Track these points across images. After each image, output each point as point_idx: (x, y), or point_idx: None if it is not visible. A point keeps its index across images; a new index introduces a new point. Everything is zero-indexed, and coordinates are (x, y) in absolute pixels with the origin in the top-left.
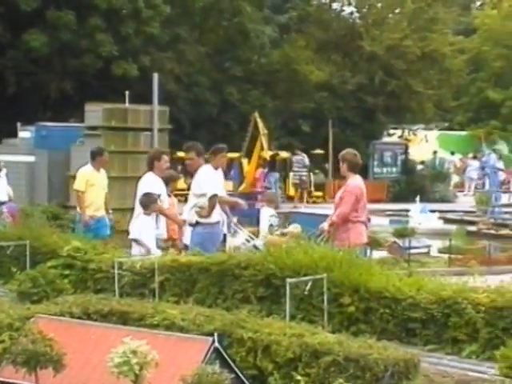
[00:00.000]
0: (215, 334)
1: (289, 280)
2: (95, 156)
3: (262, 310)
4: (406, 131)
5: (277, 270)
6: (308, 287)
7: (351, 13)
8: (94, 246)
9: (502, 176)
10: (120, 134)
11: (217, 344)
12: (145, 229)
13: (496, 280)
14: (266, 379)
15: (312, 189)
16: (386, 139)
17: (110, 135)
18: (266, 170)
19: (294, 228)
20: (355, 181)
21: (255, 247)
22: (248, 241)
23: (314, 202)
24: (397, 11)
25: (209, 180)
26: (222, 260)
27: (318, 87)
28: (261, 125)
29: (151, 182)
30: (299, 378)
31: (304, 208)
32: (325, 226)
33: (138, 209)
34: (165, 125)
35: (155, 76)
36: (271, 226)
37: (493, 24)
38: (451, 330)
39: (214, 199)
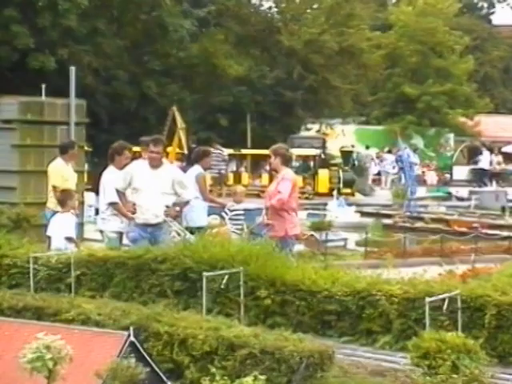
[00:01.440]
0: (131, 329)
1: (205, 274)
2: (66, 149)
3: (178, 303)
4: (324, 125)
5: (193, 264)
6: (224, 281)
7: (270, 8)
8: (9, 240)
9: (417, 170)
10: (36, 128)
11: (132, 338)
12: (60, 227)
13: (410, 272)
14: (182, 372)
15: (231, 182)
16: (303, 133)
17: (25, 129)
18: (184, 163)
19: (213, 219)
20: (290, 172)
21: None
22: (179, 234)
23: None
24: (315, 6)
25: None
26: (138, 254)
27: (237, 81)
28: (179, 119)
29: (116, 176)
30: (214, 370)
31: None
32: (264, 219)
33: (104, 205)
34: (82, 119)
35: (72, 69)
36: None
37: (408, 20)
38: (365, 321)
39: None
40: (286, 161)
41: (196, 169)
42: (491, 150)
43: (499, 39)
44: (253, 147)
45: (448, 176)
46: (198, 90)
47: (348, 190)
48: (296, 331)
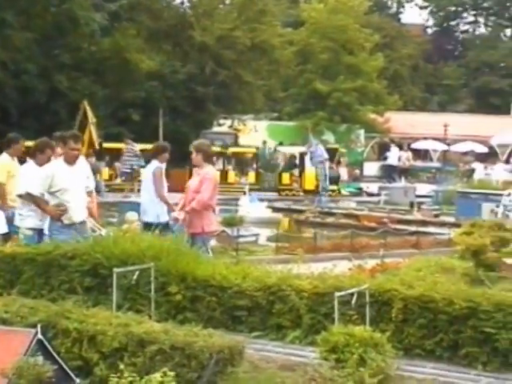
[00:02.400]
0: (38, 326)
1: (116, 270)
2: (11, 143)
3: (88, 300)
4: (236, 121)
5: (104, 259)
6: (135, 277)
7: (182, 2)
8: None
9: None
10: None
11: (40, 336)
12: None
13: (320, 267)
14: (91, 370)
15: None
16: (216, 129)
17: None
18: (94, 158)
19: (131, 216)
20: (212, 170)
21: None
22: (94, 231)
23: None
24: (227, 2)
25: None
26: (47, 250)
27: (149, 76)
28: (90, 113)
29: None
30: (122, 367)
31: (135, 197)
32: (179, 214)
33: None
34: None
35: None
36: None
37: (319, 17)
38: (275, 316)
39: None
40: (208, 157)
41: (153, 164)
42: (400, 147)
43: (408, 37)
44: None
45: (358, 172)
46: (110, 85)
47: (334, 187)
48: (207, 327)
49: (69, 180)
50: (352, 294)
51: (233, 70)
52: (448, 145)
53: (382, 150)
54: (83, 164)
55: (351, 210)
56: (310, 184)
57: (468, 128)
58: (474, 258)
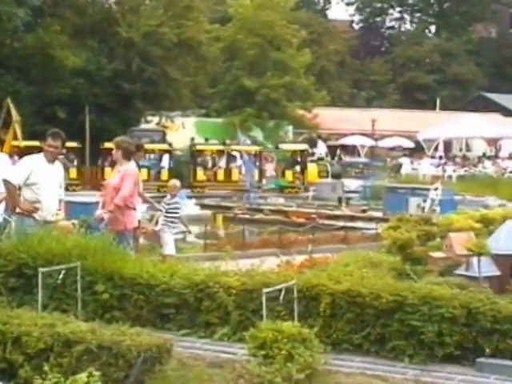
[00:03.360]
0: None
1: (41, 269)
2: None
3: (13, 301)
4: (164, 118)
5: (29, 259)
6: (61, 276)
7: None
8: None
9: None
10: None
11: None
12: None
13: (248, 263)
14: (15, 372)
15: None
16: (143, 126)
17: None
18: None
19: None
20: (132, 167)
21: None
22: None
23: (73, 190)
24: None
25: None
26: None
27: (74, 73)
28: (14, 111)
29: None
30: (46, 368)
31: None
32: (102, 213)
33: None
34: None
35: None
36: None
37: (246, 13)
38: (204, 313)
39: None
40: (129, 154)
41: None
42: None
43: (335, 33)
44: (92, 140)
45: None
46: (34, 82)
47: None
48: (134, 325)
49: (46, 177)
50: (280, 290)
51: (160, 67)
52: (375, 140)
53: (310, 146)
54: (60, 170)
55: (280, 207)
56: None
57: (395, 123)
58: (400, 252)
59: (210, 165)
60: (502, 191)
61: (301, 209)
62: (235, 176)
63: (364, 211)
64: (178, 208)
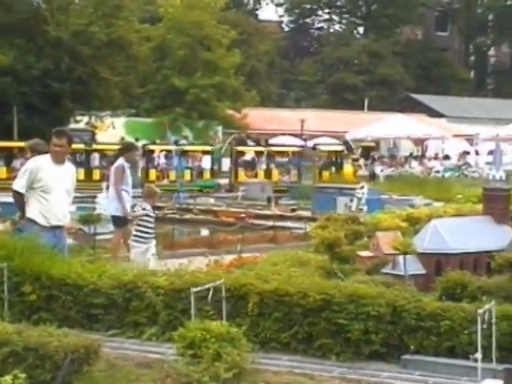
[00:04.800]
0: None
1: None
2: None
3: None
4: (94, 118)
5: None
6: None
7: None
8: None
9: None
10: None
11: None
12: None
13: (177, 263)
14: None
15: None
16: (73, 126)
17: None
18: None
19: None
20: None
21: None
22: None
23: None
24: None
25: None
26: None
27: (1, 72)
28: None
29: None
30: None
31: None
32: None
33: None
34: None
35: None
36: None
37: (176, 13)
38: (132, 313)
39: None
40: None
41: (118, 161)
42: (258, 142)
43: (265, 34)
44: (20, 140)
45: (217, 168)
46: None
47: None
48: (62, 326)
49: (54, 179)
50: (208, 290)
51: (89, 66)
52: (305, 140)
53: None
54: (71, 171)
55: (209, 206)
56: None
57: (324, 123)
58: (328, 252)
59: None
60: (428, 191)
61: (230, 208)
62: (172, 176)
63: (293, 211)
64: (151, 217)
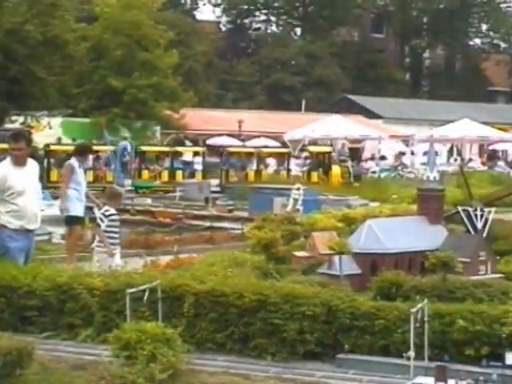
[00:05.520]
0: None
1: None
2: None
3: None
4: (30, 118)
5: None
6: None
7: None
8: None
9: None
10: None
11: None
12: None
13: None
14: None
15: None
16: (8, 126)
17: None
18: None
19: None
20: None
21: None
22: None
23: None
24: None
25: None
26: None
27: None
28: None
29: None
30: None
31: None
32: None
33: None
34: None
35: None
36: None
37: (113, 13)
38: (67, 315)
39: None
40: None
41: (70, 160)
42: (196, 143)
43: (202, 34)
44: None
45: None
46: None
47: (357, 184)
48: None
49: (21, 183)
50: (144, 291)
51: (24, 65)
52: (242, 141)
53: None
54: (34, 170)
55: (147, 207)
56: (335, 182)
57: (261, 124)
58: (265, 252)
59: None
60: (364, 191)
61: (168, 209)
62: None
63: (230, 211)
64: (116, 221)
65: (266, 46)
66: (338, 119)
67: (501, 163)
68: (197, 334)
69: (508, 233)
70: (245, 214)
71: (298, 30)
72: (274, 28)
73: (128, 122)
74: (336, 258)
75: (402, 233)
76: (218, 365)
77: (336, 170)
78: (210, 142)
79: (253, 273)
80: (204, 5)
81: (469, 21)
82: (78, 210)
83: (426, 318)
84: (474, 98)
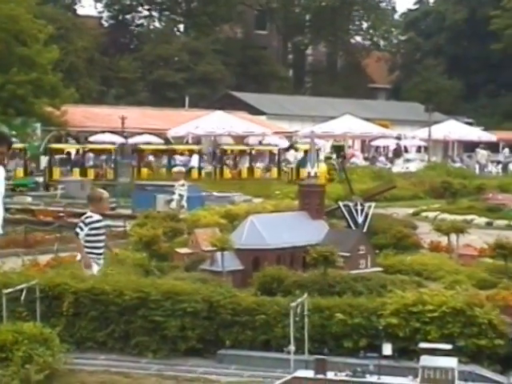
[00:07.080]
0: None
1: None
2: None
3: None
4: None
5: None
6: None
7: None
8: None
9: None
10: None
11: None
12: None
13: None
14: None
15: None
16: None
17: None
18: None
19: None
20: None
21: None
22: None
23: None
24: None
25: None
26: None
27: None
28: None
29: None
30: None
31: None
32: None
33: None
34: None
35: None
36: None
37: None
38: None
39: None
40: None
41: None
42: (78, 140)
43: (84, 30)
44: None
45: (34, 165)
46: None
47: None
48: None
49: None
50: (21, 291)
51: None
52: (125, 138)
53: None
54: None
55: (26, 205)
56: (322, 179)
57: (145, 121)
58: (146, 249)
59: None
60: (247, 187)
61: (49, 207)
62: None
63: (113, 209)
64: (100, 228)
65: (148, 42)
66: (222, 115)
67: (382, 158)
68: (76, 333)
69: (387, 227)
70: (128, 212)
71: (181, 27)
72: (156, 24)
73: (7, 118)
74: (218, 255)
75: (283, 228)
76: (99, 364)
77: (322, 167)
78: (92, 138)
79: (134, 270)
80: None
81: (350, 19)
82: None
83: (305, 313)
84: (356, 95)
